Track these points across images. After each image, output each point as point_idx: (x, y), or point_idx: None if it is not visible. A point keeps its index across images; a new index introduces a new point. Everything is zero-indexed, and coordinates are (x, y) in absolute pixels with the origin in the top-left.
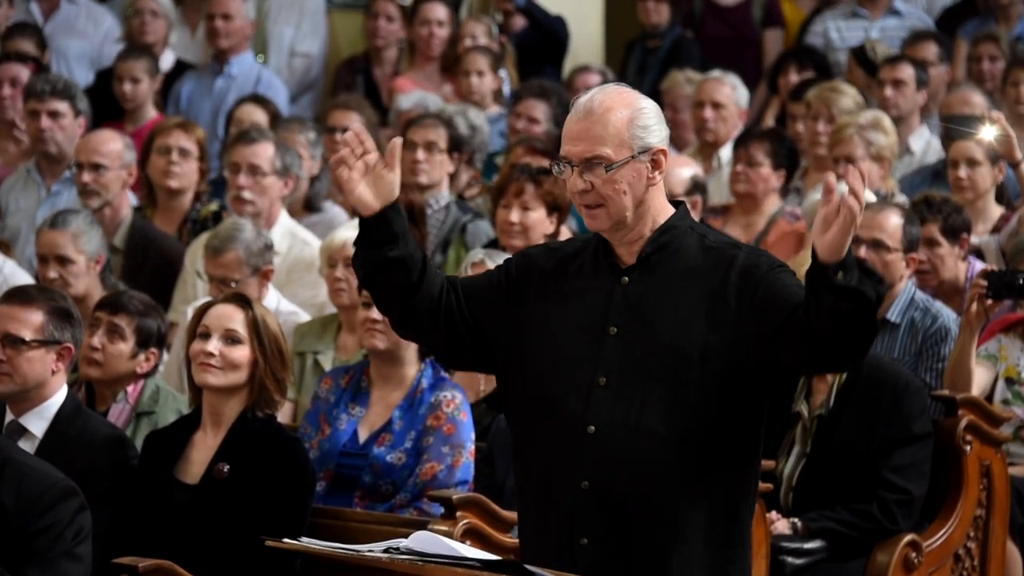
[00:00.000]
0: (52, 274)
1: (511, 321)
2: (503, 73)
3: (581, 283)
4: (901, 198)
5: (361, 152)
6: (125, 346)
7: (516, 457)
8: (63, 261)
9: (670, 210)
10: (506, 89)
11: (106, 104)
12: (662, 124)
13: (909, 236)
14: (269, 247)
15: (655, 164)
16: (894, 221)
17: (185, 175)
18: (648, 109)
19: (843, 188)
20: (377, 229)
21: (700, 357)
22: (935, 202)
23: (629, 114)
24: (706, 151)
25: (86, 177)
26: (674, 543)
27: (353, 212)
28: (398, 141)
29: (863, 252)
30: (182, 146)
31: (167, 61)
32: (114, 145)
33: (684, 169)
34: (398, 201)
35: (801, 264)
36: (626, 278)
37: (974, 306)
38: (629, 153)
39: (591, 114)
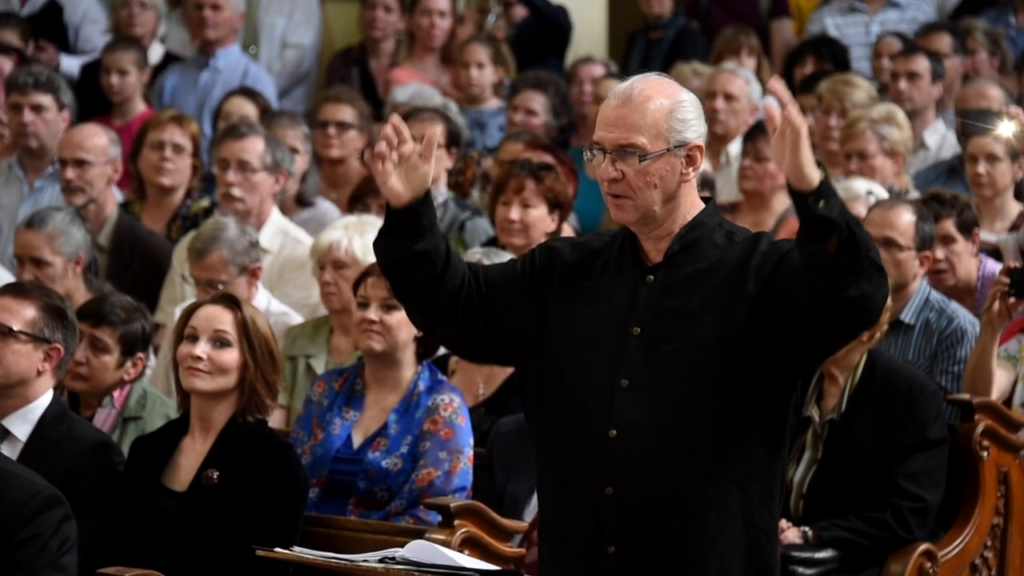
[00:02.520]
0: (28, 276)
1: (532, 316)
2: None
3: (606, 280)
4: (916, 194)
5: (398, 143)
6: (110, 358)
7: (536, 461)
8: (39, 263)
9: (700, 206)
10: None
11: (93, 98)
12: (701, 119)
13: (922, 234)
14: (255, 244)
15: (690, 160)
16: (906, 218)
17: (178, 171)
18: (688, 102)
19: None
20: (405, 220)
21: (720, 349)
22: (946, 198)
23: (669, 105)
24: (714, 146)
25: (70, 174)
26: (707, 543)
27: (366, 203)
28: (435, 131)
29: None
30: (176, 141)
31: (155, 54)
32: (98, 140)
33: None
34: (429, 192)
35: None
36: (652, 277)
37: (996, 304)
38: (665, 145)
39: (630, 101)
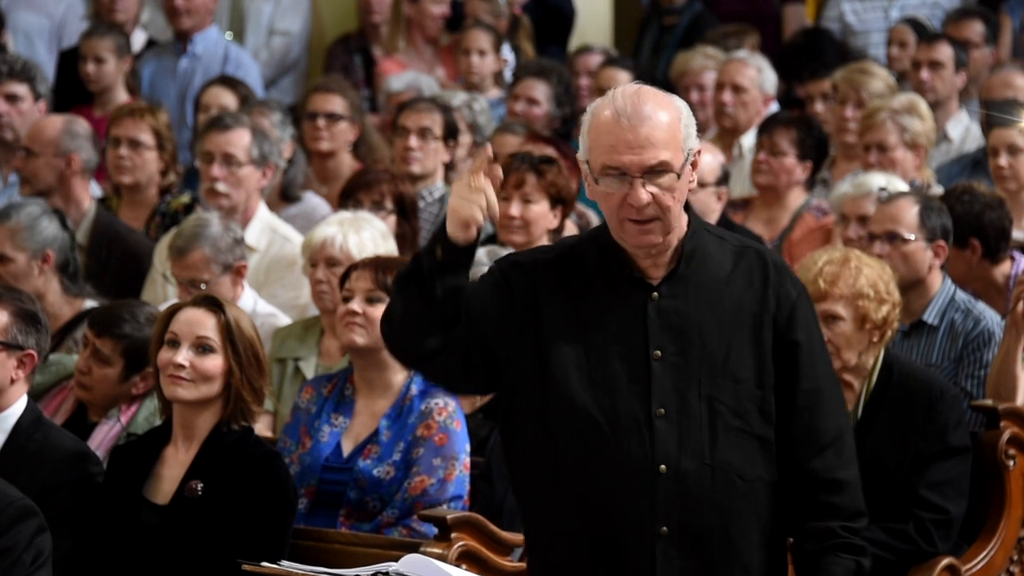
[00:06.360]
0: None
1: (526, 347)
2: (508, 52)
3: (601, 300)
4: (938, 189)
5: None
6: (111, 370)
7: (528, 507)
8: (1, 259)
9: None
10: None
11: (75, 87)
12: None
13: (930, 224)
14: (239, 241)
15: (694, 165)
16: (909, 209)
17: (137, 168)
18: (687, 107)
19: None
20: (466, 254)
21: (756, 383)
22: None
23: (678, 115)
24: (726, 139)
25: (18, 162)
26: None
27: (336, 203)
28: (488, 151)
29: (877, 248)
30: (132, 137)
31: (137, 41)
32: (49, 132)
33: (711, 155)
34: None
35: (815, 260)
36: (656, 293)
37: (1020, 306)
38: (683, 157)
39: (647, 119)
